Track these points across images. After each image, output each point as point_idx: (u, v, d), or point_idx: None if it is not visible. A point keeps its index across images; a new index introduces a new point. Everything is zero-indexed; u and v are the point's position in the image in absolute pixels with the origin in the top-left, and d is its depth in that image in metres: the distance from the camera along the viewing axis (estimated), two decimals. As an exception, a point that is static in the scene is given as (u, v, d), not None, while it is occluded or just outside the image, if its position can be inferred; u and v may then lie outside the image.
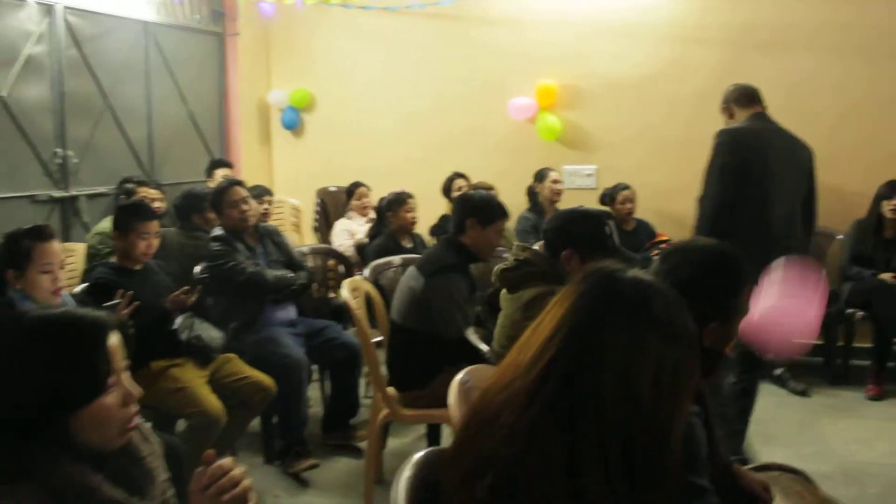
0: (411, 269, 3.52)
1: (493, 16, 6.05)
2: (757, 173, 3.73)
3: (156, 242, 3.58)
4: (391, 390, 3.43)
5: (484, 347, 3.12)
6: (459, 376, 2.01)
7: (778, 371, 5.08)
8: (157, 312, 3.35)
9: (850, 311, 5.09)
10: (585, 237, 2.71)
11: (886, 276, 4.95)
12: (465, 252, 3.45)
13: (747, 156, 3.76)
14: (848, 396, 4.94)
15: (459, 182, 5.62)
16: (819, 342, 5.39)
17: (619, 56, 5.83)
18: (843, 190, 5.38)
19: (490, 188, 5.37)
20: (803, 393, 4.95)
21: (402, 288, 3.51)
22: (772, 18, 5.55)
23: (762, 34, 5.57)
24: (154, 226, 3.55)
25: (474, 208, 3.45)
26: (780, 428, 4.44)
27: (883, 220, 5.12)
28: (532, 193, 5.66)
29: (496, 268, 2.88)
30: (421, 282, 3.38)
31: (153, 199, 4.75)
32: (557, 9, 5.89)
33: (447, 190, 5.65)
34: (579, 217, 2.81)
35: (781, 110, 5.55)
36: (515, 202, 5.68)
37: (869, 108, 5.47)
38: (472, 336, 3.08)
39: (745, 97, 4.04)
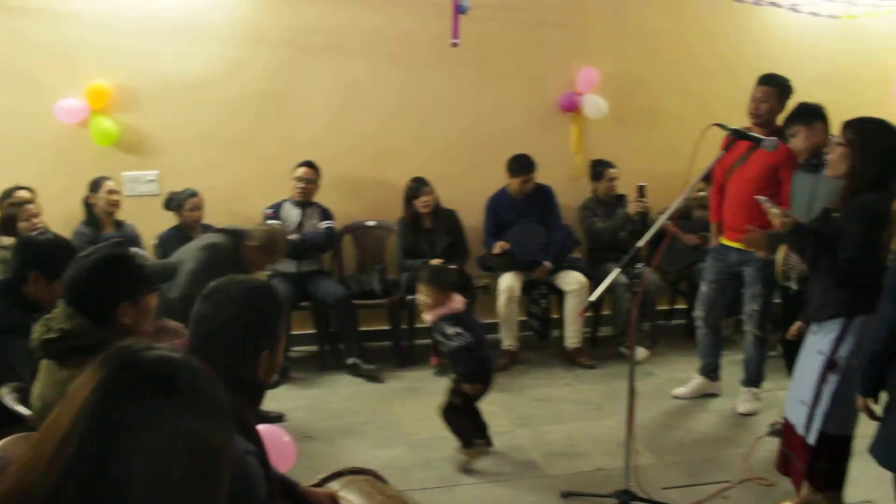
0: None
1: (33, 9, 5.41)
2: None
3: None
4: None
5: (25, 411, 2.73)
6: (-9, 451, 1.77)
7: (351, 361, 5.32)
8: None
9: (410, 297, 5.50)
10: (130, 283, 2.47)
11: (436, 262, 5.42)
12: (28, 304, 2.98)
13: None
14: (414, 376, 5.36)
15: (22, 194, 4.97)
16: (386, 328, 5.81)
17: (177, 56, 5.60)
18: (395, 185, 5.79)
19: (29, 190, 4.87)
20: (377, 379, 5.26)
21: None
22: (327, 24, 5.74)
23: (318, 38, 5.75)
24: None
25: (39, 261, 2.99)
26: (356, 417, 4.67)
27: (419, 214, 5.62)
28: (88, 205, 5.23)
29: (37, 335, 2.44)
30: None
31: None
32: (107, 5, 5.47)
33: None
34: (103, 265, 2.46)
35: (339, 110, 5.85)
36: (68, 214, 5.25)
37: (413, 110, 5.96)
38: (8, 397, 2.67)
39: None
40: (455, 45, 4.83)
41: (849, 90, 5.46)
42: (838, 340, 3.14)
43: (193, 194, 5.34)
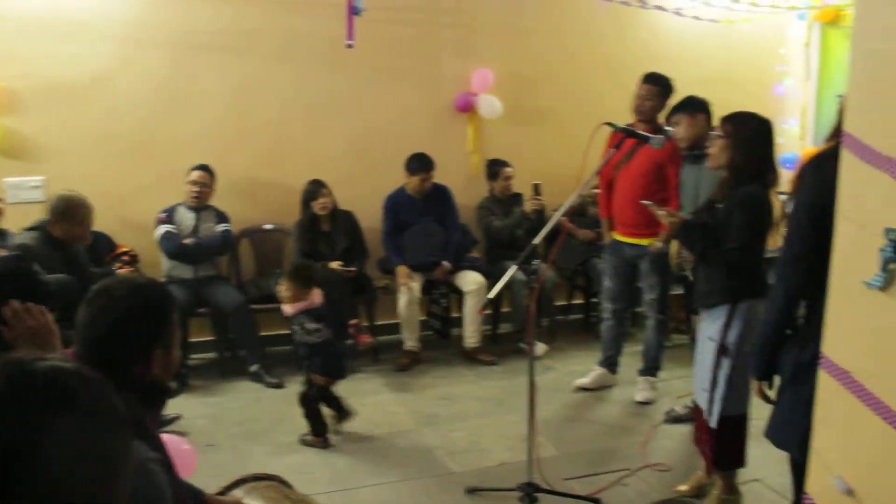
0: None
1: None
2: None
3: None
4: None
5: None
6: None
7: (253, 367, 5.25)
8: None
9: (311, 300, 5.46)
10: (32, 298, 2.35)
11: (335, 264, 5.41)
12: None
13: None
14: (317, 379, 5.31)
15: None
16: (287, 332, 5.74)
17: (61, 56, 5.37)
18: (292, 187, 5.74)
19: None
20: (279, 385, 5.18)
21: None
22: (220, 24, 5.62)
23: (211, 38, 5.61)
24: None
25: None
26: (259, 424, 4.60)
27: (317, 217, 5.57)
28: (-35, 214, 4.98)
29: None
30: None
31: None
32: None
33: None
34: (2, 280, 2.38)
35: (233, 113, 5.74)
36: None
37: (308, 112, 5.90)
38: None
39: None
40: (350, 46, 4.82)
41: (730, 91, 5.67)
42: (726, 326, 3.30)
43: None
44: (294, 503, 2.44)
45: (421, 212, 5.73)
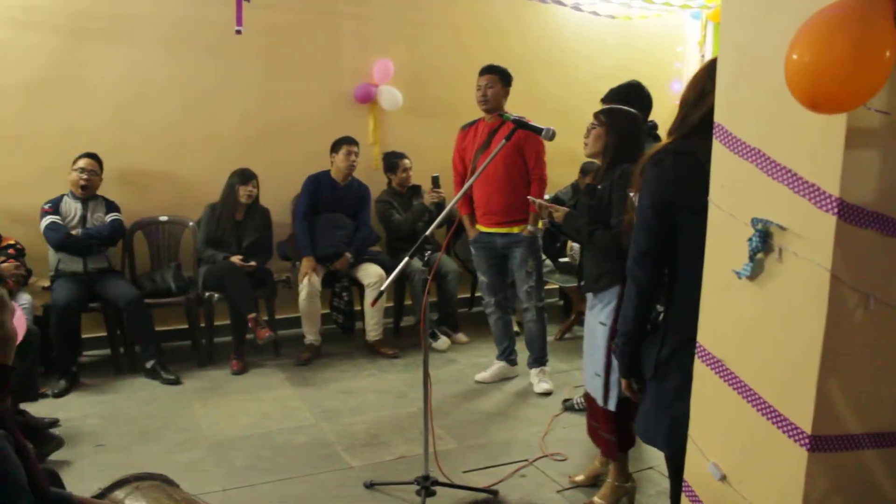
0: None
1: None
2: None
3: None
4: None
5: None
6: None
7: (149, 364, 5.09)
8: None
9: (207, 294, 5.34)
10: None
11: (236, 259, 5.29)
12: None
13: None
14: (215, 376, 5.20)
15: None
16: (184, 326, 5.61)
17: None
18: (191, 178, 5.59)
19: None
20: (175, 381, 5.05)
21: None
22: (103, 7, 5.40)
23: (97, 23, 5.40)
24: None
25: None
26: (153, 422, 4.45)
27: (237, 205, 5.46)
28: None
29: None
30: None
31: None
32: None
33: None
34: None
35: (122, 101, 5.54)
36: None
37: (201, 102, 5.74)
38: None
39: None
40: (239, 32, 4.71)
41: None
42: (618, 308, 3.33)
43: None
44: (177, 502, 2.38)
45: (338, 200, 5.69)
